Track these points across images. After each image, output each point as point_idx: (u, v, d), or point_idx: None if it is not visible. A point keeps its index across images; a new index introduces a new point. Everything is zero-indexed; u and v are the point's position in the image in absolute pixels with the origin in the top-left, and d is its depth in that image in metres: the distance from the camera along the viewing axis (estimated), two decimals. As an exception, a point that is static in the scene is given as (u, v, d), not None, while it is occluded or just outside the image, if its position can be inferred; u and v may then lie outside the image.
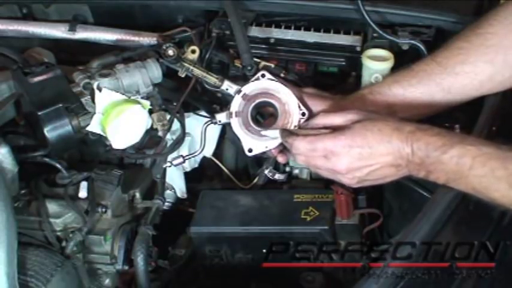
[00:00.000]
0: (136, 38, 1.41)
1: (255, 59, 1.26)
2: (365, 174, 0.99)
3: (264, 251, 1.14)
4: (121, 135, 1.18)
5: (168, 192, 1.34)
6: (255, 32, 1.44)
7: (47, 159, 1.16)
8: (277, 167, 1.28)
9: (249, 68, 1.21)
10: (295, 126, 1.10)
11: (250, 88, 1.14)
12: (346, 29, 1.43)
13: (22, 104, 1.22)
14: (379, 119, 0.99)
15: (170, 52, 1.22)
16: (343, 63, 1.39)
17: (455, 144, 0.91)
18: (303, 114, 1.10)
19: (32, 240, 1.09)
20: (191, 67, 1.22)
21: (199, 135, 1.21)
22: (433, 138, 0.93)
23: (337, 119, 1.03)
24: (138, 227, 1.18)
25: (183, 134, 1.29)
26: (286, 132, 1.07)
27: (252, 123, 1.13)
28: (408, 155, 0.95)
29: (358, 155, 0.97)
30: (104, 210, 1.14)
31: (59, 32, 1.46)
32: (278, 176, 1.25)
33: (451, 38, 1.14)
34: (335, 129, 1.01)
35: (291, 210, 1.16)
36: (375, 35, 1.35)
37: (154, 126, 1.25)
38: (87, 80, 1.22)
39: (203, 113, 1.34)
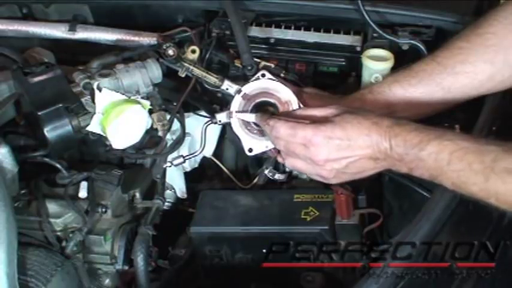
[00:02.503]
0: (136, 38, 1.41)
1: (255, 59, 1.26)
2: (343, 167, 1.00)
3: (264, 251, 1.14)
4: (121, 135, 1.18)
5: (168, 192, 1.34)
6: (255, 32, 1.44)
7: (47, 159, 1.16)
8: (277, 167, 1.28)
9: (249, 67, 1.21)
10: None
11: (250, 88, 1.14)
12: (346, 29, 1.43)
13: (22, 104, 1.22)
14: (359, 113, 1.00)
15: (170, 52, 1.22)
16: (343, 63, 1.39)
17: (432, 141, 0.91)
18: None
19: (32, 240, 1.09)
20: (191, 67, 1.23)
21: (199, 135, 1.21)
22: (411, 134, 0.93)
23: (317, 113, 1.04)
24: (138, 227, 1.18)
25: (183, 134, 1.29)
26: (267, 115, 1.08)
27: (252, 123, 1.13)
28: (386, 149, 0.95)
29: (337, 147, 0.98)
30: (104, 210, 1.14)
31: (59, 32, 1.46)
32: (278, 176, 1.25)
33: (451, 38, 1.14)
34: (316, 121, 1.01)
35: (291, 210, 1.16)
36: (375, 35, 1.35)
37: (154, 126, 1.25)
38: (87, 80, 1.22)
39: (203, 113, 1.34)
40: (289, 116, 1.07)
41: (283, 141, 1.03)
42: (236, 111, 1.13)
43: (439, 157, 0.90)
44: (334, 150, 0.98)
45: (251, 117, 1.12)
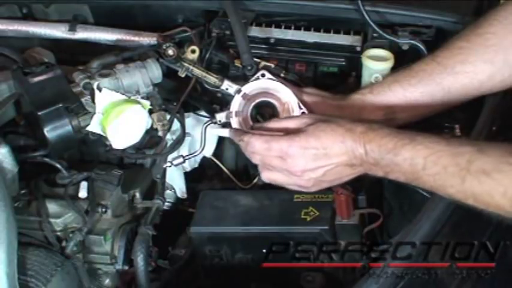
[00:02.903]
0: (136, 38, 1.41)
1: (255, 59, 1.26)
2: (321, 175, 1.00)
3: (264, 251, 1.14)
4: (121, 135, 1.18)
5: (168, 192, 1.34)
6: (255, 32, 1.44)
7: (47, 159, 1.16)
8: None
9: (249, 67, 1.21)
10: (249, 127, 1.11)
11: (250, 88, 1.14)
12: (346, 29, 1.42)
13: (22, 104, 1.22)
14: (332, 121, 1.00)
15: (170, 52, 1.22)
16: (343, 63, 1.39)
17: (405, 145, 0.92)
18: (303, 113, 1.10)
19: (32, 240, 1.09)
20: (191, 67, 1.23)
21: (199, 135, 1.21)
22: (384, 139, 0.94)
23: (290, 123, 1.04)
24: (138, 227, 1.18)
25: (183, 134, 1.29)
26: (241, 132, 1.08)
27: (252, 123, 1.13)
28: (362, 155, 0.96)
29: (313, 156, 0.98)
30: (104, 210, 1.14)
31: (59, 32, 1.46)
32: (278, 176, 1.25)
33: (451, 38, 1.14)
34: (290, 132, 1.02)
35: (291, 210, 1.16)
36: (375, 35, 1.35)
37: (154, 126, 1.25)
38: (87, 80, 1.22)
39: (203, 113, 1.34)
40: (263, 130, 1.07)
41: (259, 156, 1.04)
42: (211, 127, 1.13)
43: (413, 162, 0.90)
44: (310, 160, 0.99)
45: (225, 133, 1.12)
